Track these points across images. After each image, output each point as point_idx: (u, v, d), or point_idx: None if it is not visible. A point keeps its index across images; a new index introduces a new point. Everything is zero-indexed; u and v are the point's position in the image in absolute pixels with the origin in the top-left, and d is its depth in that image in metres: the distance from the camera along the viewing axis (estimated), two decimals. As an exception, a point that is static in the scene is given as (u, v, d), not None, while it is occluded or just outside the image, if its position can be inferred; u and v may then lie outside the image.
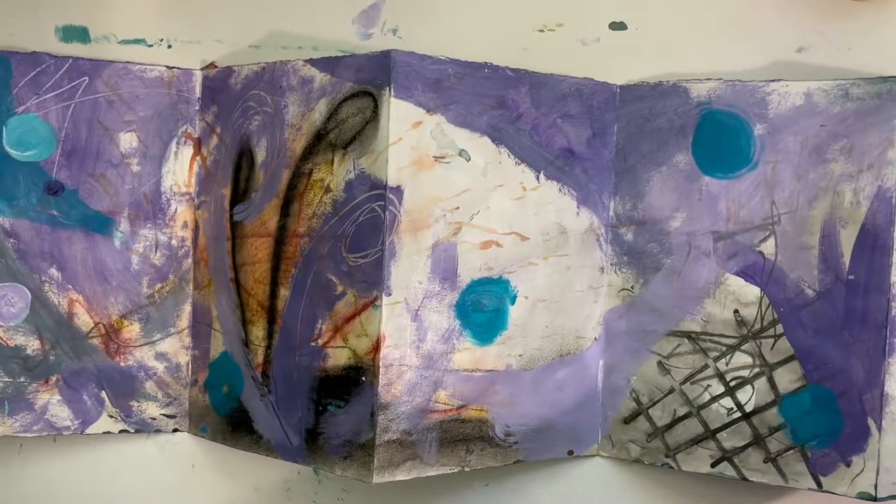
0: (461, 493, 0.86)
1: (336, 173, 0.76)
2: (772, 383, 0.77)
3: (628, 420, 0.82)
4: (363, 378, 0.74)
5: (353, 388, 0.75)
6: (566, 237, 0.80)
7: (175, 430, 0.86)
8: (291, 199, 0.78)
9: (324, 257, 0.76)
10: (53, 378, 0.82)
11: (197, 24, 0.86)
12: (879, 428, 0.73)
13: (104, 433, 0.84)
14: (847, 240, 0.74)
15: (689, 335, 0.79)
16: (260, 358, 0.80)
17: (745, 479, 0.78)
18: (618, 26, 0.83)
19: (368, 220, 0.74)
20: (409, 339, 0.74)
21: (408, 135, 0.74)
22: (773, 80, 0.77)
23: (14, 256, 0.81)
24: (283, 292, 0.78)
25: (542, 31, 0.84)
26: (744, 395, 0.78)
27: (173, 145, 0.85)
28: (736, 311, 0.78)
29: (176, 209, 0.85)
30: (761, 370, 0.77)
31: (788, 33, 0.80)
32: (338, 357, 0.75)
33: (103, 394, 0.84)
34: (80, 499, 0.87)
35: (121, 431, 0.85)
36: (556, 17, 0.84)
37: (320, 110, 0.77)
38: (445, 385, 0.76)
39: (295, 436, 0.78)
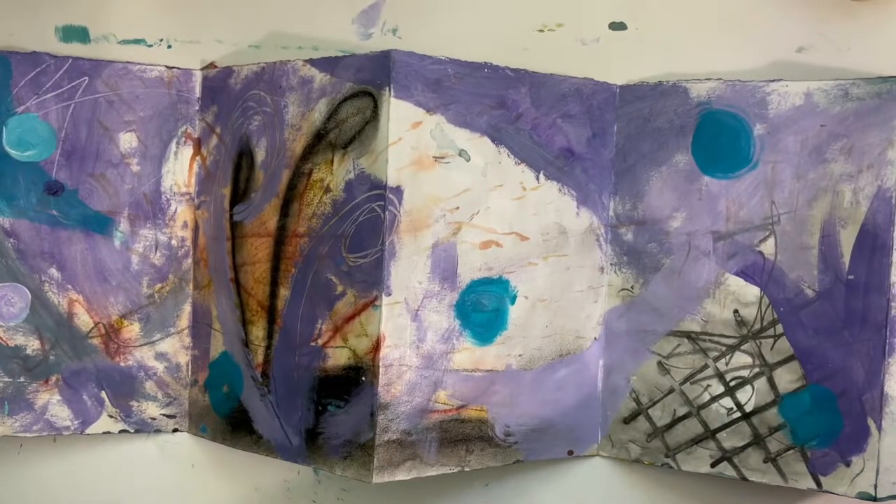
0: (461, 493, 0.86)
1: (336, 173, 0.76)
2: (772, 383, 0.77)
3: (628, 420, 0.82)
4: (363, 378, 0.74)
5: (352, 388, 0.75)
6: (566, 237, 0.80)
7: (175, 430, 0.86)
8: (291, 199, 0.78)
9: (324, 257, 0.76)
10: (53, 378, 0.82)
11: (197, 24, 0.86)
12: (879, 428, 0.73)
13: (104, 433, 0.84)
14: (847, 240, 0.74)
15: (689, 335, 0.79)
16: (260, 358, 0.80)
17: (744, 479, 0.78)
18: (618, 26, 0.83)
19: (368, 220, 0.74)
20: (408, 339, 0.74)
21: (408, 135, 0.74)
22: (773, 80, 0.77)
23: (14, 256, 0.81)
24: (283, 292, 0.78)
25: (542, 31, 0.84)
26: (744, 395, 0.78)
27: (173, 145, 0.85)
28: (736, 311, 0.78)
29: (176, 209, 0.85)
30: (761, 370, 0.77)
31: (788, 33, 0.80)
32: (338, 357, 0.75)
33: (103, 394, 0.84)
34: (80, 499, 0.87)
35: (121, 431, 0.85)
36: (556, 17, 0.84)
37: (320, 110, 0.77)
38: (445, 385, 0.76)
39: (295, 436, 0.78)
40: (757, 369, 0.77)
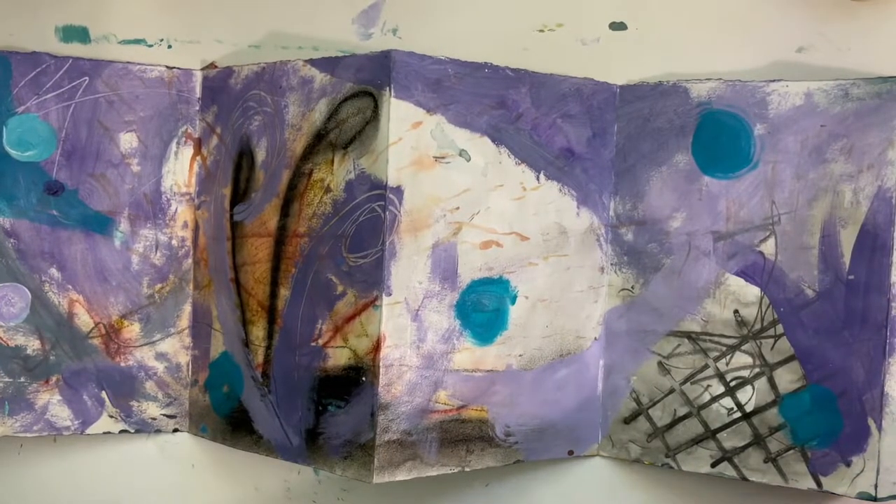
0: (461, 493, 0.86)
1: (336, 173, 0.76)
2: (772, 383, 0.77)
3: (628, 420, 0.82)
4: (363, 378, 0.74)
5: (353, 389, 0.75)
6: (566, 237, 0.80)
7: (175, 430, 0.86)
8: (291, 199, 0.78)
9: (324, 257, 0.76)
10: (53, 378, 0.82)
11: (197, 24, 0.86)
12: (879, 428, 0.73)
13: (104, 433, 0.84)
14: (847, 240, 0.74)
15: (690, 335, 0.79)
16: (260, 358, 0.80)
17: (745, 479, 0.78)
18: (618, 26, 0.83)
19: (368, 220, 0.74)
20: (409, 339, 0.74)
21: (408, 135, 0.74)
22: (773, 80, 0.77)
23: (14, 256, 0.81)
24: (284, 292, 0.78)
25: (542, 31, 0.84)
26: (744, 395, 0.78)
27: (173, 145, 0.85)
28: (736, 311, 0.78)
29: (176, 209, 0.85)
30: (761, 370, 0.77)
31: (788, 33, 0.80)
32: (338, 357, 0.75)
33: (103, 394, 0.84)
34: (81, 499, 0.87)
35: (121, 431, 0.85)
36: (556, 17, 0.84)
37: (320, 110, 0.77)
38: (446, 385, 0.76)
39: (295, 436, 0.78)
40: (757, 369, 0.77)
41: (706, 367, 0.79)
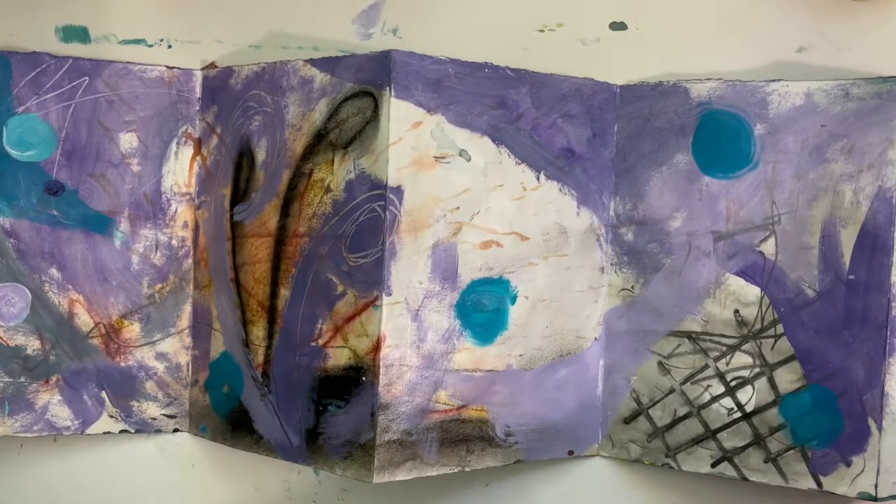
0: (461, 493, 0.86)
1: (336, 173, 0.76)
2: (772, 383, 0.77)
3: (628, 420, 0.82)
4: (363, 378, 0.74)
5: (353, 388, 0.75)
6: (566, 237, 0.80)
7: (175, 430, 0.86)
8: (292, 199, 0.78)
9: (324, 257, 0.76)
10: (54, 378, 0.82)
11: (197, 24, 0.86)
12: (880, 428, 0.73)
13: (104, 433, 0.84)
14: (847, 240, 0.74)
15: (690, 335, 0.79)
16: (260, 358, 0.80)
17: (745, 479, 0.78)
18: (618, 26, 0.83)
19: (369, 220, 0.74)
20: (409, 339, 0.74)
21: (408, 135, 0.74)
22: (774, 80, 0.77)
23: (14, 256, 0.81)
24: (284, 292, 0.78)
25: (542, 31, 0.84)
26: (744, 395, 0.78)
27: (173, 145, 0.85)
28: (736, 311, 0.78)
29: (176, 209, 0.85)
30: (761, 370, 0.77)
31: (788, 33, 0.80)
32: (338, 357, 0.75)
33: (103, 394, 0.84)
34: (81, 499, 0.87)
35: (121, 431, 0.85)
36: (556, 17, 0.84)
37: (321, 110, 0.77)
38: (446, 385, 0.76)
39: (295, 436, 0.78)
40: (757, 369, 0.77)
41: (706, 367, 0.79)
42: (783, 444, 0.76)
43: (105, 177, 0.83)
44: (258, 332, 0.80)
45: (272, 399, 0.79)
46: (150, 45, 0.85)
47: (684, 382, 0.80)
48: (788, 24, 0.81)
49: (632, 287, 0.81)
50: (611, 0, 0.83)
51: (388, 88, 0.73)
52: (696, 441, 0.79)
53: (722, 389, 0.79)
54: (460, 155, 0.76)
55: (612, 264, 0.82)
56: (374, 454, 0.73)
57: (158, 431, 0.86)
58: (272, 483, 0.88)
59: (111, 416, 0.84)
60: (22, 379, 0.81)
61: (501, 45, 0.83)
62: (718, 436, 0.79)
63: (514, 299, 0.78)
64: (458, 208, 0.76)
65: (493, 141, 0.77)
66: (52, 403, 0.82)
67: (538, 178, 0.79)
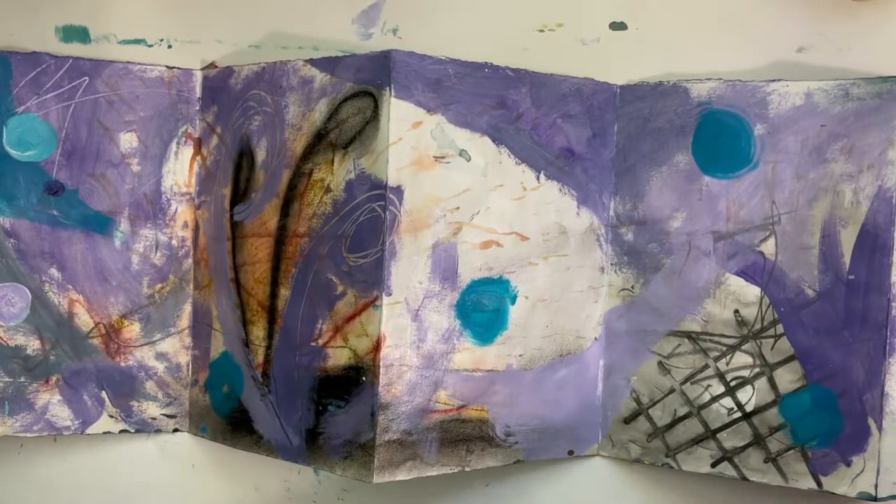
0: (461, 493, 0.86)
1: (336, 173, 0.76)
2: (772, 383, 0.77)
3: (628, 420, 0.82)
4: (363, 378, 0.74)
5: (353, 388, 0.75)
6: (566, 237, 0.80)
7: (175, 430, 0.86)
8: (292, 199, 0.78)
9: (324, 257, 0.76)
10: (54, 378, 0.82)
11: (197, 24, 0.86)
12: (880, 428, 0.73)
13: (104, 433, 0.84)
14: (847, 240, 0.74)
15: (690, 335, 0.79)
16: (260, 358, 0.80)
17: (745, 479, 0.78)
18: (618, 26, 0.83)
19: (369, 220, 0.74)
20: (409, 339, 0.74)
21: (408, 135, 0.74)
22: (774, 80, 0.77)
23: (14, 256, 0.81)
24: (284, 292, 0.78)
25: (542, 31, 0.84)
26: (744, 395, 0.78)
27: (173, 145, 0.85)
28: (736, 311, 0.78)
29: (176, 209, 0.85)
30: (761, 370, 0.77)
31: (788, 33, 0.80)
32: (338, 357, 0.75)
33: (103, 394, 0.84)
34: (81, 499, 0.87)
35: (121, 431, 0.85)
36: (556, 17, 0.84)
37: (321, 110, 0.77)
38: (446, 385, 0.76)
39: (295, 436, 0.78)
40: (757, 369, 0.77)
41: (706, 366, 0.79)
42: (783, 444, 0.76)
43: (105, 177, 0.83)
44: (258, 332, 0.80)
45: (272, 399, 0.79)
46: (150, 45, 0.85)
47: (684, 382, 0.80)
48: (788, 24, 0.81)
49: (632, 287, 0.81)
50: (611, 0, 0.83)
51: (388, 88, 0.73)
52: (696, 441, 0.79)
53: (722, 389, 0.79)
54: (460, 155, 0.76)
55: (612, 264, 0.82)
56: (374, 454, 0.73)
57: (158, 431, 0.86)
58: (272, 483, 0.88)
59: (111, 416, 0.84)
60: (22, 379, 0.81)
61: (501, 45, 0.83)
62: (718, 436, 0.79)
63: (514, 299, 0.78)
64: (458, 208, 0.76)
65: (493, 141, 0.77)
66: (52, 403, 0.82)
67: (538, 178, 0.79)
